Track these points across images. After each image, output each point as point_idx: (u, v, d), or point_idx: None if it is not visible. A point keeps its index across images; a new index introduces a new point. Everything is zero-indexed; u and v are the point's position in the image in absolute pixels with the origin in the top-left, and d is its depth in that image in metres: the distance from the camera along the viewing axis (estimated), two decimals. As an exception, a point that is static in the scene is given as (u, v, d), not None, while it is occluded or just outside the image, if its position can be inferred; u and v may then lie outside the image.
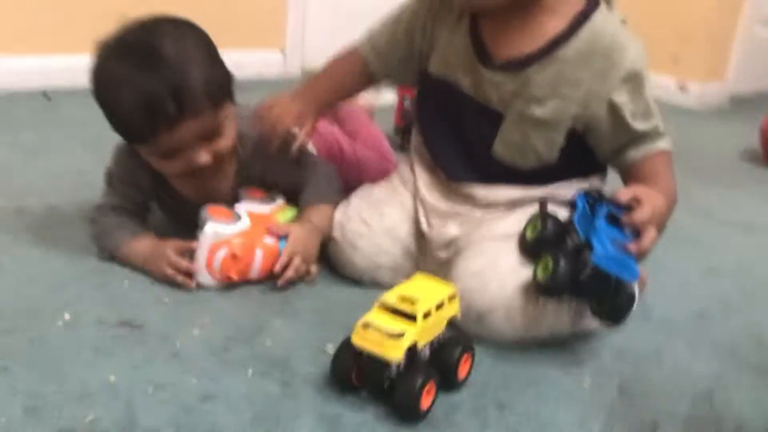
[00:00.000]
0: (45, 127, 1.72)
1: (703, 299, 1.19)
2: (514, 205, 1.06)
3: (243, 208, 1.10)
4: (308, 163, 1.20)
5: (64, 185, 1.37)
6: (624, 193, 0.91)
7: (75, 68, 2.01)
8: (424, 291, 0.87)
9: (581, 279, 0.88)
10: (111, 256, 1.10)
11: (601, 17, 0.98)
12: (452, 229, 1.07)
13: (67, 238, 1.16)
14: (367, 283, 1.11)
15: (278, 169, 1.16)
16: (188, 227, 1.09)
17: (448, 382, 0.87)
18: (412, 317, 0.82)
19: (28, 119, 1.78)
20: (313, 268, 1.11)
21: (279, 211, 1.15)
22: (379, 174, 1.25)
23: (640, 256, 0.89)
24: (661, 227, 0.92)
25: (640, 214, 0.88)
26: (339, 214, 1.14)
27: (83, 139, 1.61)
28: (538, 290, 0.93)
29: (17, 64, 1.95)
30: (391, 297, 0.85)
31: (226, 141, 1.08)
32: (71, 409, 0.78)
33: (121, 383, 0.83)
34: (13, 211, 1.25)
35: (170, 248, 1.05)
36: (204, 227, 1.04)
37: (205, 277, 1.05)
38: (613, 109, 0.98)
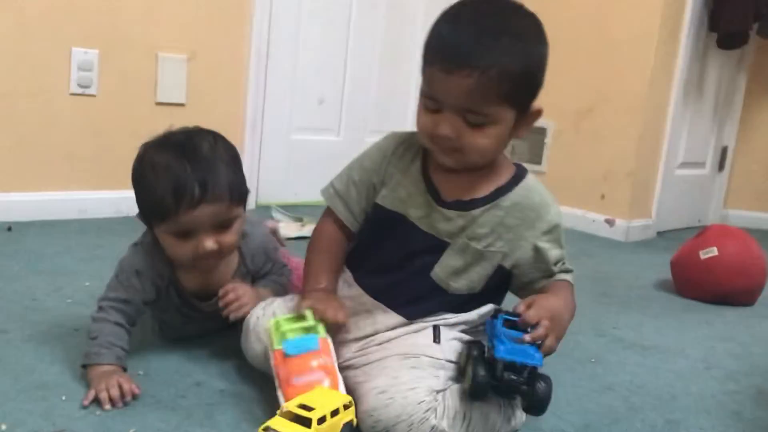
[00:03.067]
0: (4, 257, 1.86)
1: (592, 413, 1.32)
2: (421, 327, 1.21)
3: None
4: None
5: (16, 310, 1.50)
6: (519, 304, 1.10)
7: (35, 203, 2.19)
8: (321, 400, 1.00)
9: (498, 375, 1.05)
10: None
11: (531, 179, 1.23)
12: (350, 350, 1.21)
13: (13, 357, 1.28)
14: (265, 371, 1.21)
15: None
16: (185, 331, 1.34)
17: (344, 484, 0.98)
18: (308, 422, 0.95)
19: (-10, 249, 1.91)
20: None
21: None
22: None
23: (546, 349, 1.05)
24: (559, 323, 1.09)
25: (531, 313, 1.06)
26: (259, 309, 1.27)
27: (39, 268, 1.75)
28: (471, 397, 1.09)
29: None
30: (291, 404, 0.98)
31: (231, 237, 1.27)
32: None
33: (48, 484, 0.93)
34: (-35, 333, 1.36)
35: (120, 376, 1.18)
36: None
37: None
38: (538, 253, 1.19)
